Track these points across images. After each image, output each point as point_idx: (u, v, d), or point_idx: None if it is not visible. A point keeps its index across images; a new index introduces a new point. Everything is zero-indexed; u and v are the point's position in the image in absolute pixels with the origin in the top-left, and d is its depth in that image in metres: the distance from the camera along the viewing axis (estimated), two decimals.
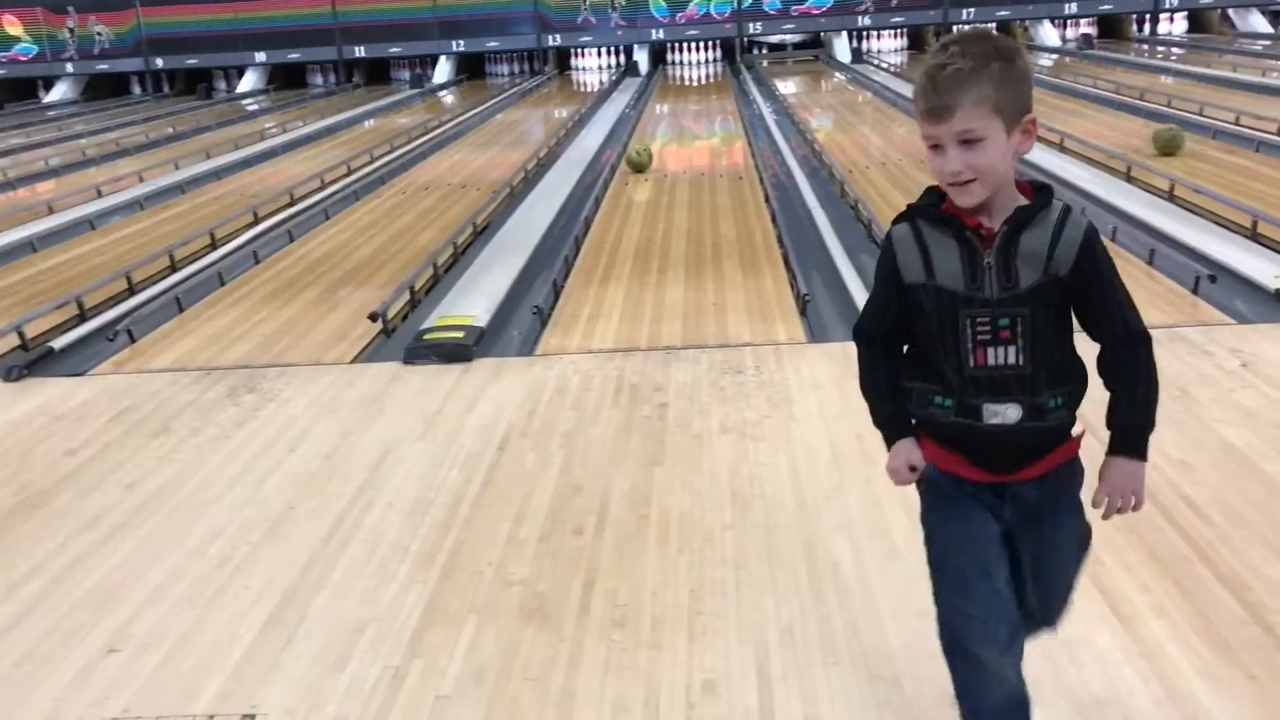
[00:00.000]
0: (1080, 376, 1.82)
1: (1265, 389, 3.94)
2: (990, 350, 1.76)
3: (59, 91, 21.91)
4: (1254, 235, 6.09)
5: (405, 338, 5.12)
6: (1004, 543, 1.88)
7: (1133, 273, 5.46)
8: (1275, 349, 4.34)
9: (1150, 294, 5.07)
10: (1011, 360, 1.76)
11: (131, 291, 6.44)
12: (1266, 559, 2.80)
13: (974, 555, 1.86)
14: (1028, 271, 1.74)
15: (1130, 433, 1.80)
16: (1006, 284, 1.74)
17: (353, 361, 4.95)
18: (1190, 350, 4.36)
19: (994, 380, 1.78)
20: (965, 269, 1.76)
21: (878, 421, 1.95)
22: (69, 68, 21.84)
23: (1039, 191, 1.77)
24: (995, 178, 1.71)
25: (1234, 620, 2.55)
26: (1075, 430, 1.86)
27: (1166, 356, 4.20)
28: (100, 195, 9.92)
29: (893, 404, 1.92)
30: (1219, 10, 20.99)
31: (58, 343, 5.34)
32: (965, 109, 1.66)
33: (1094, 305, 1.77)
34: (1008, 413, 1.77)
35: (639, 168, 9.59)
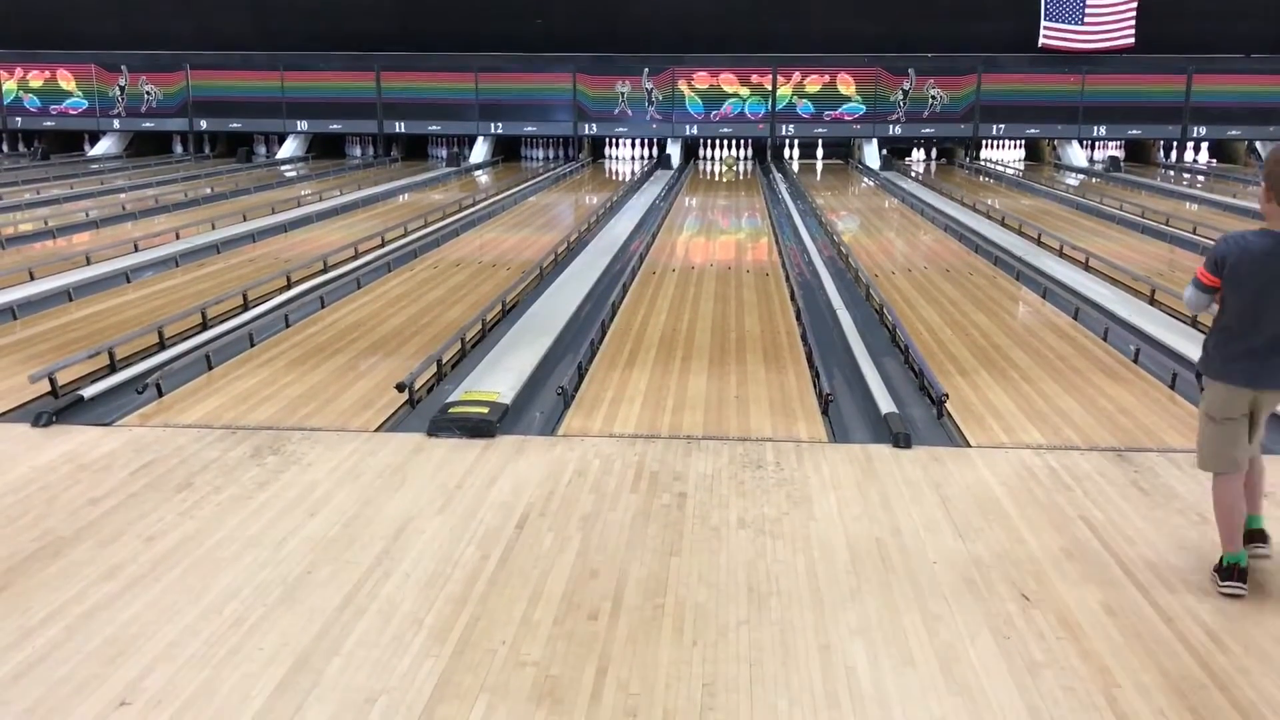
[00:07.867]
0: None
1: None
2: None
3: (104, 146, 22.44)
4: None
5: (430, 410, 5.17)
6: None
7: (1155, 395, 5.49)
8: None
9: (1173, 418, 5.07)
10: None
11: (163, 346, 6.53)
12: None
13: None
14: None
15: None
16: None
17: (377, 430, 5.00)
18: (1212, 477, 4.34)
19: None
20: None
21: None
22: (115, 124, 22.40)
23: None
24: None
25: None
26: None
27: (1188, 482, 4.20)
28: (137, 249, 10.11)
29: None
30: (1245, 143, 21.32)
31: (87, 391, 5.41)
32: None
33: None
34: None
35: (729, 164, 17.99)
